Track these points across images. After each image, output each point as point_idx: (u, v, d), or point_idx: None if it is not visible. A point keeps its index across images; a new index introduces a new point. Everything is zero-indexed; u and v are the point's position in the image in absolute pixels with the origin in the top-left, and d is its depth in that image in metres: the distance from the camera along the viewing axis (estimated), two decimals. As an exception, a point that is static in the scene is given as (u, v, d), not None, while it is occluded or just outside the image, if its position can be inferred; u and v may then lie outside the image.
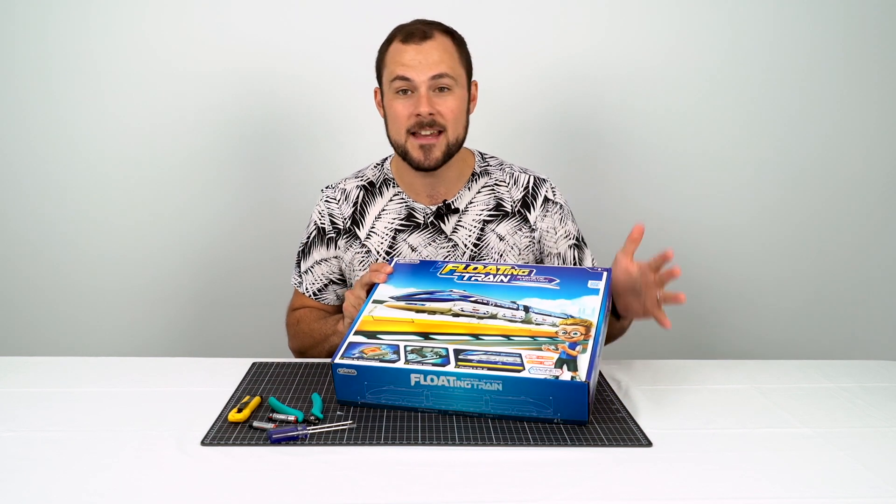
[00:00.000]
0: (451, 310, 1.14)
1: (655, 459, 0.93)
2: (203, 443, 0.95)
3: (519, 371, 1.00)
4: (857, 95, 2.08)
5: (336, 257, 1.47)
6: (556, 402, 0.99)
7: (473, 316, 1.13)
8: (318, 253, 1.48)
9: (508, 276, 1.21)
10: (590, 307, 1.11)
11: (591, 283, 1.17)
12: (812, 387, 1.20)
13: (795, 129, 2.09)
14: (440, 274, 1.24)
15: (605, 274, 1.19)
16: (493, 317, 1.12)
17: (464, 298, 1.17)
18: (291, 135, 2.06)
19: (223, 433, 0.98)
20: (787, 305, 2.17)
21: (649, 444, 0.96)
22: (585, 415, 0.99)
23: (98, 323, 2.11)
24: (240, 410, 1.02)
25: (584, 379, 0.98)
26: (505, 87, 2.00)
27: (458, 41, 1.37)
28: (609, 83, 2.05)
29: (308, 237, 1.49)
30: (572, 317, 1.10)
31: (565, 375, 0.98)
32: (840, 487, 0.86)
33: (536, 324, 1.09)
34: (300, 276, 1.50)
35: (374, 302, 1.18)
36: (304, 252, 1.49)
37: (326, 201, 1.47)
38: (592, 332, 1.06)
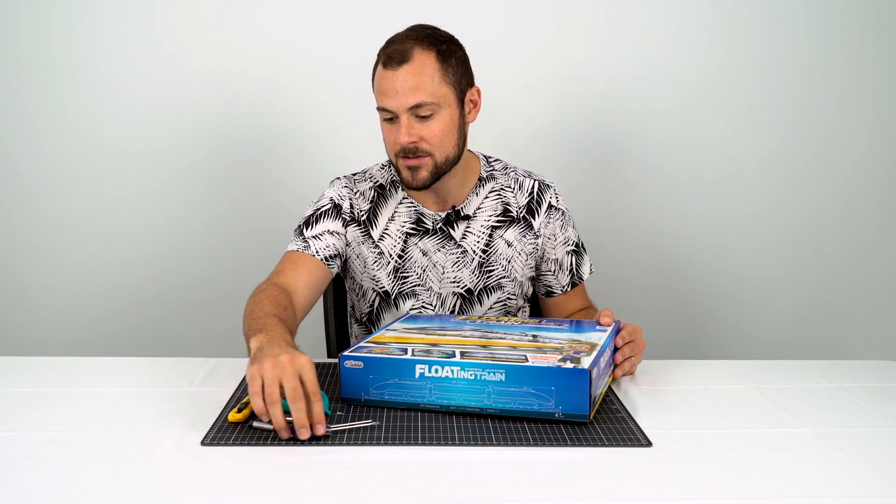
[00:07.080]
0: (461, 334, 1.20)
1: (655, 459, 0.93)
2: (203, 443, 0.95)
3: (522, 362, 1.02)
4: (856, 94, 2.08)
5: (345, 238, 1.43)
6: (559, 393, 1.00)
7: (483, 336, 1.19)
8: (332, 224, 1.41)
9: (519, 322, 1.31)
10: (596, 336, 1.17)
11: (599, 328, 1.24)
12: (812, 387, 1.20)
13: (799, 128, 2.09)
14: (454, 320, 1.33)
15: (612, 325, 1.26)
16: (502, 338, 1.17)
17: (475, 329, 1.24)
18: (281, 136, 2.06)
19: (223, 433, 0.98)
20: (787, 305, 2.17)
21: (649, 444, 0.96)
22: (587, 408, 0.99)
23: (98, 323, 2.11)
24: (240, 410, 1.02)
25: (586, 367, 0.99)
26: (512, 92, 2.00)
27: (443, 55, 1.29)
28: (614, 85, 2.05)
29: (316, 210, 1.42)
30: (579, 341, 1.15)
31: (568, 366, 1.00)
32: (840, 487, 0.86)
33: (543, 341, 1.15)
34: (305, 241, 1.38)
35: (387, 330, 1.25)
36: (310, 222, 1.41)
37: (346, 187, 1.44)
38: (598, 348, 1.10)
